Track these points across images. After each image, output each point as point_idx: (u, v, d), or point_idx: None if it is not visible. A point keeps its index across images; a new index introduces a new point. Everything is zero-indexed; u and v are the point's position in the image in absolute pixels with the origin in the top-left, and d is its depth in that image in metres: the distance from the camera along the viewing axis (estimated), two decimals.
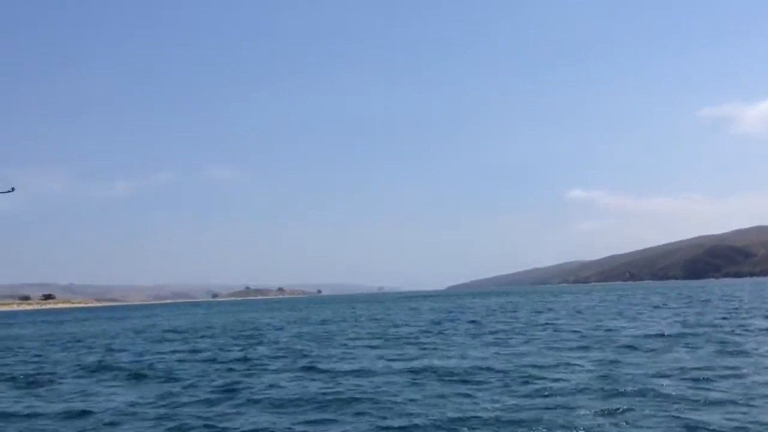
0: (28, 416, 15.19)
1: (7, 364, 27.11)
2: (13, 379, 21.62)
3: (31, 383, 20.47)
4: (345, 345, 28.40)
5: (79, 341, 40.98)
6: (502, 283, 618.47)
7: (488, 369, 18.40)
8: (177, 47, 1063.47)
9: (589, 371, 17.32)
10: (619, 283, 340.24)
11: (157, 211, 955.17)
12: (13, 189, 12.46)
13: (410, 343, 27.57)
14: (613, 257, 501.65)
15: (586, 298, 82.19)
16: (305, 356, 24.23)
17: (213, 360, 24.43)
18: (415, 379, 17.31)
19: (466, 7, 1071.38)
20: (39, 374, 22.57)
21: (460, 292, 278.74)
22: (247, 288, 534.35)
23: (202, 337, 39.36)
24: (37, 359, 28.93)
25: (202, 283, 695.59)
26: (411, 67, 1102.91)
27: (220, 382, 18.50)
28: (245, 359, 23.98)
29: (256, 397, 15.96)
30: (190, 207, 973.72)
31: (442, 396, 15.01)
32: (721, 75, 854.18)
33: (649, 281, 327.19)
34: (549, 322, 37.86)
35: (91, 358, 27.56)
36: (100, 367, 23.71)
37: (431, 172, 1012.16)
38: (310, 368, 20.40)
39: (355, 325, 43.99)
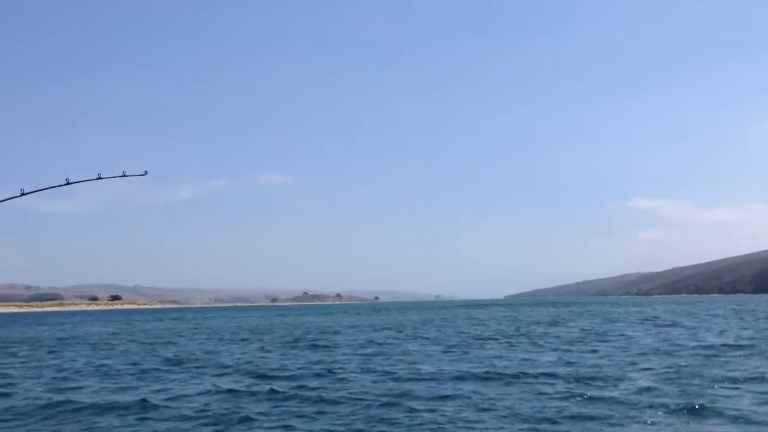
0: None
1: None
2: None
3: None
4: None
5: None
6: (561, 293, 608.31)
7: None
8: (221, 56, 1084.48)
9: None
10: (684, 296, 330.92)
11: (217, 216, 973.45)
12: (146, 172, 13.17)
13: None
14: (676, 269, 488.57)
15: (677, 311, 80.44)
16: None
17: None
18: None
19: (519, 13, 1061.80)
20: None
21: (520, 301, 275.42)
22: (305, 293, 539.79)
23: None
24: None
25: (261, 287, 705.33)
26: (463, 71, 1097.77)
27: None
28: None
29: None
30: (249, 213, 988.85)
31: None
32: None
33: (716, 295, 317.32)
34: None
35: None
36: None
37: (487, 182, 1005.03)
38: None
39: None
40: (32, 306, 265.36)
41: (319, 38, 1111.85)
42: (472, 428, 12.31)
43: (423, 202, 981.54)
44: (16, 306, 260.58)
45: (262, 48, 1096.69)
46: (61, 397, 16.84)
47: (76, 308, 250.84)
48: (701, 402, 13.79)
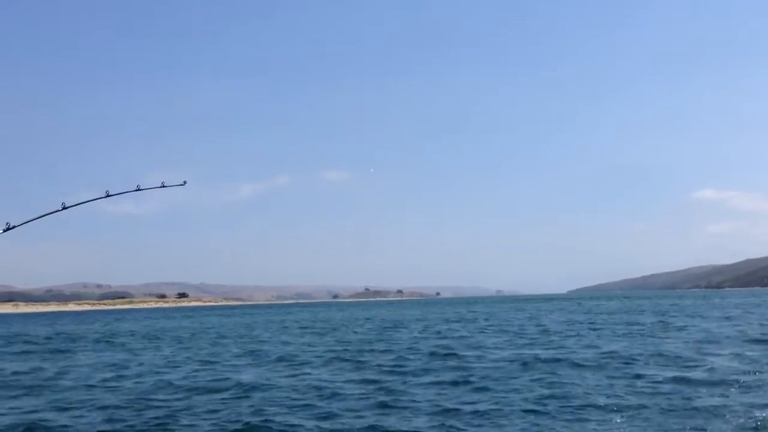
0: None
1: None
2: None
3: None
4: None
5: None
6: (627, 287, 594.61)
7: None
8: (284, 53, 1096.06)
9: None
10: (757, 288, 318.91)
11: (277, 214, 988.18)
12: (185, 182, 12.73)
13: None
14: (748, 261, 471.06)
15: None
16: None
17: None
18: None
19: (586, 4, 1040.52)
20: None
21: (585, 295, 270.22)
22: (367, 289, 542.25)
23: None
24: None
25: (323, 284, 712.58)
26: (528, 65, 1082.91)
27: None
28: None
29: None
30: (308, 210, 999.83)
31: None
32: None
33: None
34: None
35: None
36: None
37: (551, 173, 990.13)
38: None
39: None
40: (104, 304, 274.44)
41: (383, 35, 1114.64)
42: None
43: (486, 197, 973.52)
44: (89, 304, 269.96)
45: (324, 45, 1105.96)
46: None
47: (146, 306, 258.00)
48: None
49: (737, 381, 15.27)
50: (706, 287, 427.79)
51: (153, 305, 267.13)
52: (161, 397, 16.42)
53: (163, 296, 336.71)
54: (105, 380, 20.11)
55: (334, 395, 15.61)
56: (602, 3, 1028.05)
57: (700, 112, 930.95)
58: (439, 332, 38.07)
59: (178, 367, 23.33)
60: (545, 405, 13.56)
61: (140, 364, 24.68)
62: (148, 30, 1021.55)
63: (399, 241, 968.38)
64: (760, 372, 16.63)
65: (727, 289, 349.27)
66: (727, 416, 11.89)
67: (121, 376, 21.00)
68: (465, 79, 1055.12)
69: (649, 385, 15.39)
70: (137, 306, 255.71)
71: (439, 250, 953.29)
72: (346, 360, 23.37)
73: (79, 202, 11.13)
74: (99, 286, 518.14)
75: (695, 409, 12.67)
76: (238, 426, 12.77)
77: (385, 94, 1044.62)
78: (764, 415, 11.75)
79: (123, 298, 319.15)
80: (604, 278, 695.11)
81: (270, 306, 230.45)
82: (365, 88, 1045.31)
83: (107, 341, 40.85)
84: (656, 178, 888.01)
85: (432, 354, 24.20)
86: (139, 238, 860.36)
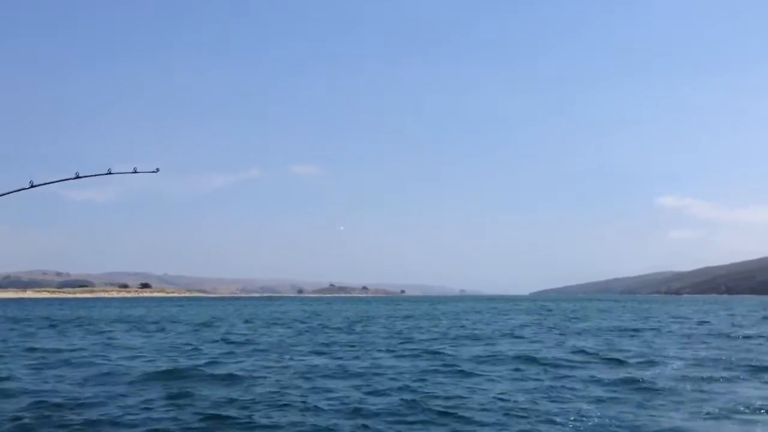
0: None
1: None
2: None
3: None
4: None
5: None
6: (587, 291, 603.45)
7: None
8: (257, 46, 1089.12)
9: None
10: (714, 295, 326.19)
11: (245, 207, 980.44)
12: (157, 170, 13.01)
13: None
14: (707, 269, 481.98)
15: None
16: None
17: None
18: None
19: (556, 4, 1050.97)
20: None
21: (547, 297, 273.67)
22: (332, 285, 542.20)
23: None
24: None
25: (287, 278, 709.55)
26: (496, 63, 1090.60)
27: None
28: None
29: None
30: (276, 204, 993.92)
31: None
32: None
33: (748, 295, 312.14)
34: None
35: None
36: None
37: (514, 175, 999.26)
38: None
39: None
40: (64, 292, 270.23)
41: (351, 29, 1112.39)
42: None
43: (450, 196, 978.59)
44: (48, 291, 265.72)
45: (294, 37, 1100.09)
46: None
47: (107, 295, 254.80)
48: None
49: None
50: (665, 293, 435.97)
51: (115, 294, 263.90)
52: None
53: (125, 286, 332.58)
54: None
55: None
56: (565, 5, 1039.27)
57: (664, 119, 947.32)
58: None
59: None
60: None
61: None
62: (121, 18, 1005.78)
63: (365, 237, 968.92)
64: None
65: (686, 295, 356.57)
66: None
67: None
68: (434, 77, 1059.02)
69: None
70: (98, 295, 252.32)
71: (404, 248, 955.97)
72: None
73: (48, 181, 11.33)
74: (59, 273, 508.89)
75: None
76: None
77: (356, 89, 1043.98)
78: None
79: (84, 286, 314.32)
80: (568, 281, 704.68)
81: (238, 298, 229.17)
82: (336, 84, 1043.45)
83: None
84: (620, 183, 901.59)
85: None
86: (102, 226, 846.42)
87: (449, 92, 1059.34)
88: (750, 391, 14.98)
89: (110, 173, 12.61)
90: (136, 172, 12.56)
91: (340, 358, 21.78)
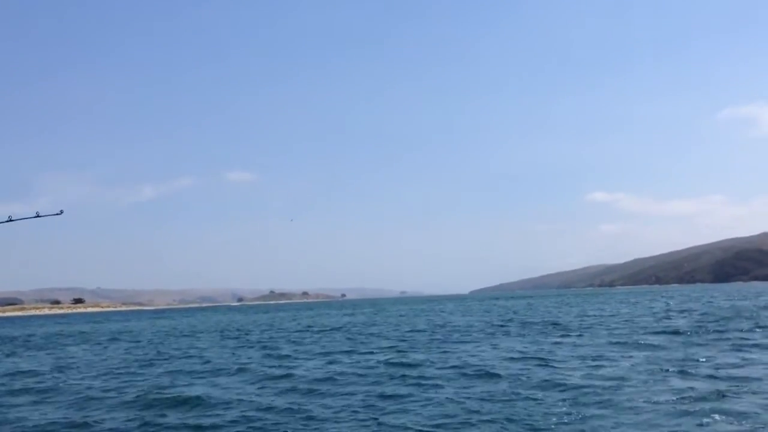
0: None
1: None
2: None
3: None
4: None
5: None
6: (526, 287, 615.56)
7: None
8: (188, 55, 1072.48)
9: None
10: (645, 286, 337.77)
11: (180, 216, 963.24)
12: (61, 212, 12.72)
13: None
14: (638, 260, 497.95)
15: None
16: None
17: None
18: None
19: (474, 11, 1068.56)
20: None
21: (485, 296, 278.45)
22: (272, 292, 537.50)
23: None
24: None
25: (227, 287, 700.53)
26: (425, 68, 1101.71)
27: None
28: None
29: None
30: (212, 212, 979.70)
31: None
32: (741, 76, 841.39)
33: (676, 285, 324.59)
34: None
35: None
36: None
37: (452, 175, 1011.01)
38: None
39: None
40: None
41: (284, 35, 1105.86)
42: None
43: (387, 198, 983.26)
44: None
45: (226, 46, 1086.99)
46: None
47: (38, 312, 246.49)
48: None
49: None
50: (599, 285, 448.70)
51: (47, 311, 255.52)
52: None
53: (57, 302, 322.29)
54: None
55: None
56: (489, 7, 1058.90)
57: (593, 116, 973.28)
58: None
59: None
60: None
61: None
62: (49, 27, 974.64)
63: (304, 242, 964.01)
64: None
65: (619, 287, 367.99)
66: None
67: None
68: (363, 80, 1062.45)
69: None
70: (29, 313, 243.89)
71: (344, 252, 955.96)
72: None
73: None
74: None
75: None
76: None
77: (291, 96, 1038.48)
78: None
79: (13, 304, 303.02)
80: (505, 278, 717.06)
81: (176, 310, 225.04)
82: (270, 90, 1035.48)
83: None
84: (553, 180, 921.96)
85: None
86: (29, 241, 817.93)
87: (380, 97, 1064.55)
88: None
89: (11, 220, 12.10)
90: (38, 216, 12.05)
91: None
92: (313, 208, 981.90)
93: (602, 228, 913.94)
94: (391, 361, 22.98)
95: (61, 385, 21.26)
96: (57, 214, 12.11)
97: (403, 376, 18.90)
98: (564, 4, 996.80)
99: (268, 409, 15.12)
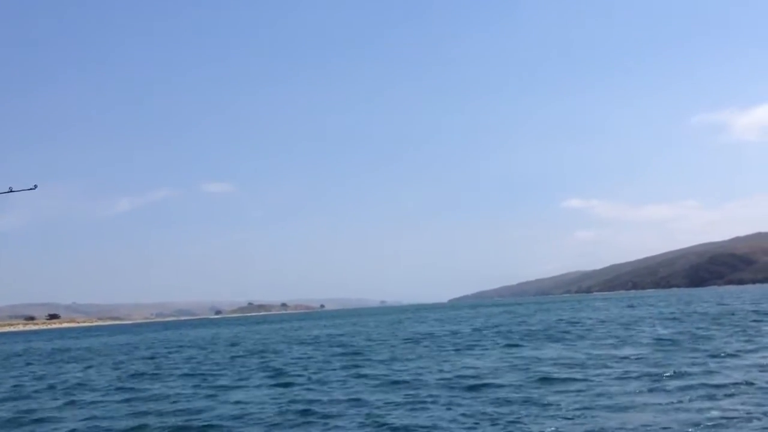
0: None
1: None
2: None
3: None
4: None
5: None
6: (504, 294, 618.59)
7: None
8: (163, 67, 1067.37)
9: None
10: (622, 292, 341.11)
11: (157, 228, 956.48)
12: (35, 186, 12.57)
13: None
14: (614, 266, 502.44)
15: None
16: None
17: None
18: None
19: (456, 20, 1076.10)
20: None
21: (463, 304, 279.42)
22: (250, 304, 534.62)
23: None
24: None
25: (204, 300, 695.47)
26: (404, 77, 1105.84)
27: None
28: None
29: None
30: (189, 224, 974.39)
31: None
32: (713, 82, 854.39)
33: (652, 290, 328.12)
34: None
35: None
36: None
37: (428, 185, 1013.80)
38: None
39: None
40: None
41: (260, 45, 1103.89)
42: None
43: (366, 207, 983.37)
44: None
45: (202, 56, 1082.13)
46: None
47: (13, 329, 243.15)
48: None
49: None
50: (576, 292, 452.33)
51: (21, 328, 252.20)
52: None
53: (31, 318, 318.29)
54: None
55: None
56: (473, 12, 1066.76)
57: (565, 123, 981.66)
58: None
59: None
60: None
61: None
62: (27, 34, 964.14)
63: (282, 254, 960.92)
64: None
65: (596, 293, 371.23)
66: None
67: None
68: (345, 87, 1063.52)
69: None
70: (3, 330, 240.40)
71: (322, 263, 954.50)
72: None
73: None
74: None
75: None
76: None
77: (266, 105, 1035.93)
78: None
79: None
80: (483, 286, 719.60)
81: (152, 324, 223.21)
82: (245, 99, 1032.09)
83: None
84: (528, 187, 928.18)
85: None
86: (2, 256, 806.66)
87: (359, 106, 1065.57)
88: None
89: None
90: (11, 191, 11.80)
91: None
92: (291, 218, 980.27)
93: (578, 234, 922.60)
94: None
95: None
96: (31, 189, 12.06)
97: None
98: (534, 14, 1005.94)
99: None
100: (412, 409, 15.79)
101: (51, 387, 26.76)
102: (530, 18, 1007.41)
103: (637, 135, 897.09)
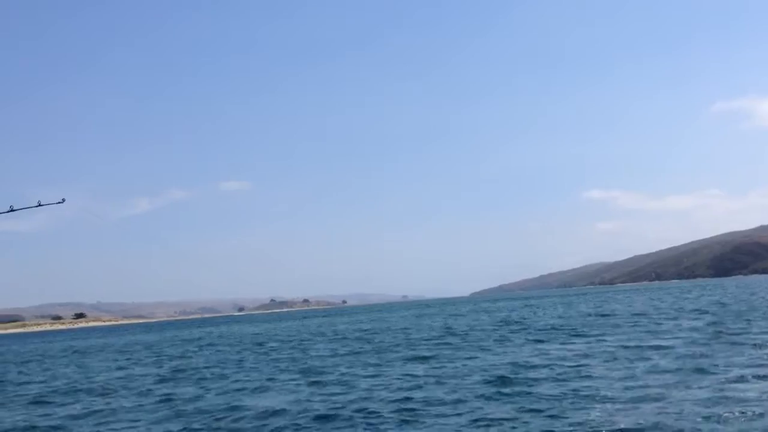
0: None
1: None
2: None
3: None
4: None
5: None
6: (526, 287, 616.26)
7: None
8: (179, 68, 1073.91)
9: None
10: (645, 283, 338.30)
11: (178, 227, 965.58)
12: (63, 200, 12.79)
13: None
14: (637, 257, 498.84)
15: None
16: None
17: None
18: None
19: (468, 14, 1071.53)
20: None
21: (485, 297, 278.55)
22: (273, 300, 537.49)
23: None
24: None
25: (227, 297, 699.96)
26: (423, 69, 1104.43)
27: None
28: None
29: None
30: (208, 222, 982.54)
31: None
32: (732, 69, 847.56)
33: (676, 281, 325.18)
34: None
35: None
36: None
37: (449, 180, 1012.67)
38: None
39: None
40: None
41: (271, 45, 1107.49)
42: None
43: (386, 201, 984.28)
44: None
45: (219, 56, 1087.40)
46: None
47: (40, 329, 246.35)
48: None
49: None
50: (599, 283, 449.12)
51: (48, 327, 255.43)
52: None
53: (58, 318, 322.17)
54: None
55: None
56: (476, 10, 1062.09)
57: (586, 114, 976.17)
58: None
59: None
60: None
61: None
62: (43, 41, 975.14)
63: (303, 250, 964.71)
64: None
65: (619, 284, 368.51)
66: None
67: None
68: (361, 85, 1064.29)
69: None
70: (31, 329, 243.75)
71: (343, 258, 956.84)
72: None
73: None
74: None
75: None
76: None
77: (282, 102, 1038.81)
78: None
79: (14, 321, 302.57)
80: (505, 279, 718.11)
81: (174, 322, 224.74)
82: (260, 98, 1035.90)
83: None
84: (549, 179, 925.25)
85: None
86: (28, 257, 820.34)
87: (377, 103, 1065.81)
88: None
89: (12, 210, 12.06)
90: (40, 205, 12.01)
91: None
92: (310, 214, 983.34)
93: (599, 226, 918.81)
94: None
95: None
96: (59, 203, 12.25)
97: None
98: (557, 5, 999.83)
99: None
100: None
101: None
102: (550, 11, 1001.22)
103: (658, 124, 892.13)
